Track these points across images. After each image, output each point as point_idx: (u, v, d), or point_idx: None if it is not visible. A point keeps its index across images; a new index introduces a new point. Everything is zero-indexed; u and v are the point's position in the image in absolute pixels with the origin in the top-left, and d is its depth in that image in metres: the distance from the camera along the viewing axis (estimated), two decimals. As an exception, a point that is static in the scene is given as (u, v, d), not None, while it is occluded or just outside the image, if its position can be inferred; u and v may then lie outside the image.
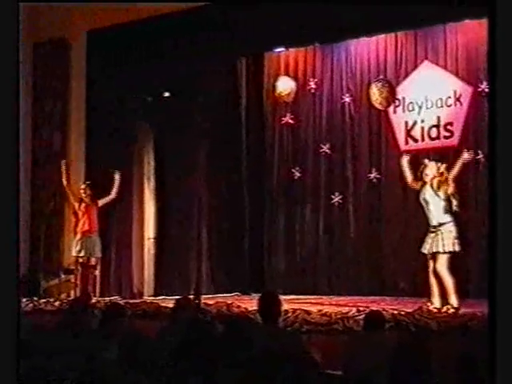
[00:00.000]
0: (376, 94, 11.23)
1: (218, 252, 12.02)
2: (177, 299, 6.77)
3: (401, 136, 11.41)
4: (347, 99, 11.79)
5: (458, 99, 10.92)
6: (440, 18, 9.82)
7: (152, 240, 11.46)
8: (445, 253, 8.38)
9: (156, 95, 11.48)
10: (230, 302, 9.23)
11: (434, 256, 8.43)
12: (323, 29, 10.02)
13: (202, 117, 11.84)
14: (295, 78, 12.12)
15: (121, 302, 9.36)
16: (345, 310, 8.30)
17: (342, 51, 11.88)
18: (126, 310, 7.11)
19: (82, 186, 10.75)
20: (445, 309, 8.20)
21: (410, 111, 11.32)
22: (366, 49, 11.67)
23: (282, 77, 12.09)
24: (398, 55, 11.45)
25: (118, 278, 10.81)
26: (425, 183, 8.61)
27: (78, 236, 10.62)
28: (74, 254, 10.60)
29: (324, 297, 10.84)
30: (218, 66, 11.81)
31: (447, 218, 8.44)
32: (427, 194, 8.59)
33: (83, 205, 10.65)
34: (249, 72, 12.48)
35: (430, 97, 11.13)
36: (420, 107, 11.22)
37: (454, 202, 8.47)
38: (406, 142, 11.38)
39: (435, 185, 8.51)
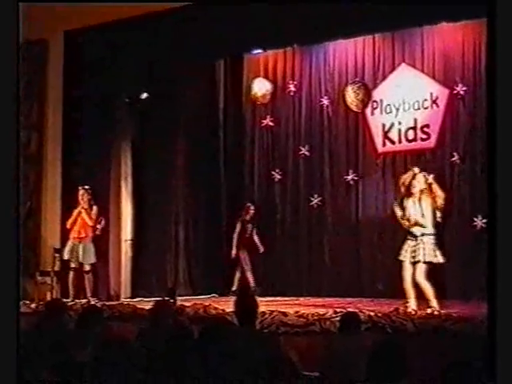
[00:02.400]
0: (352, 96, 11.33)
1: (196, 254, 12.01)
2: (155, 301, 6.75)
3: (378, 138, 11.49)
4: (325, 101, 11.86)
5: (434, 101, 11.02)
6: (421, 19, 9.85)
7: (129, 242, 11.42)
8: (425, 262, 8.39)
9: (134, 96, 11.44)
10: (207, 303, 9.22)
11: (414, 264, 8.43)
12: (301, 30, 10.06)
13: (180, 118, 11.87)
14: (274, 81, 12.19)
15: (98, 304, 9.32)
16: (322, 311, 8.31)
17: (320, 53, 11.95)
18: (103, 312, 7.11)
19: (81, 192, 10.61)
20: (429, 310, 8.21)
21: (387, 113, 11.40)
22: (344, 51, 11.77)
23: (257, 78, 12.12)
24: (375, 58, 11.54)
25: (94, 280, 10.75)
26: (411, 194, 8.54)
27: (73, 241, 10.53)
28: (66, 257, 10.46)
29: (301, 298, 10.89)
30: (196, 68, 11.82)
31: (430, 229, 8.44)
32: (411, 204, 8.53)
33: (79, 210, 10.55)
34: (227, 74, 12.52)
35: (407, 99, 11.22)
36: (397, 109, 11.31)
37: (439, 214, 8.49)
38: (384, 144, 11.47)
39: (423, 199, 8.47)
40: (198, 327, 4.77)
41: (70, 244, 10.55)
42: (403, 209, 8.57)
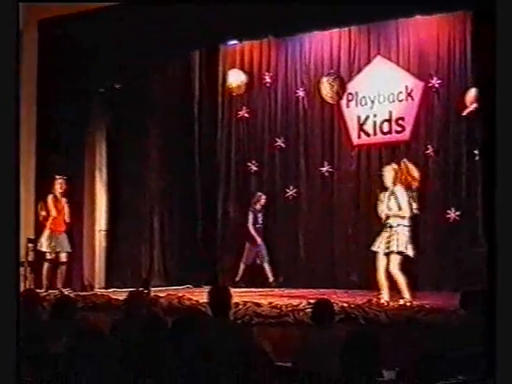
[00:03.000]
0: (327, 87, 11.39)
1: (171, 245, 12.00)
2: (128, 292, 6.75)
3: (353, 130, 11.52)
4: (301, 93, 11.87)
5: (409, 94, 11.06)
6: (396, 12, 9.89)
7: (103, 232, 11.39)
8: (398, 253, 8.47)
9: (108, 86, 11.40)
10: (181, 294, 9.23)
11: (387, 255, 8.52)
12: (277, 22, 10.07)
13: (154, 109, 11.84)
14: (250, 72, 12.18)
15: (71, 294, 9.31)
16: (295, 302, 8.35)
17: (296, 45, 11.90)
18: (77, 303, 7.10)
19: (59, 181, 10.55)
20: (402, 302, 8.29)
21: (362, 106, 11.43)
22: (320, 43, 11.76)
23: (232, 69, 12.11)
24: (351, 50, 11.56)
25: (69, 270, 10.72)
26: (387, 186, 8.67)
27: (49, 232, 10.47)
28: (44, 249, 10.41)
29: (275, 289, 10.91)
30: (171, 59, 11.79)
31: (404, 220, 8.52)
32: (388, 195, 8.64)
33: (55, 200, 10.53)
34: (203, 65, 12.46)
35: (382, 92, 11.27)
36: (372, 102, 11.34)
37: (414, 205, 8.58)
38: (359, 136, 11.51)
39: (398, 190, 8.58)
40: (172, 318, 4.77)
41: (47, 234, 10.49)
42: (383, 201, 8.67)
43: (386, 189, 8.73)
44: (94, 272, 11.16)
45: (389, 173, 8.73)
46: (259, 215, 11.65)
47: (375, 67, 11.41)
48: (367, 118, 11.38)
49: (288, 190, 11.83)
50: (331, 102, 11.43)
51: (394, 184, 8.65)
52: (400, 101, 11.14)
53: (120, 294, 8.82)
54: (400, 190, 8.59)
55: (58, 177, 10.60)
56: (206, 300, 7.63)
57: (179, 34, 10.22)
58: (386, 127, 11.24)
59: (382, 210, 8.63)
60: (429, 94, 10.92)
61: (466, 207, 10.52)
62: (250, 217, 11.58)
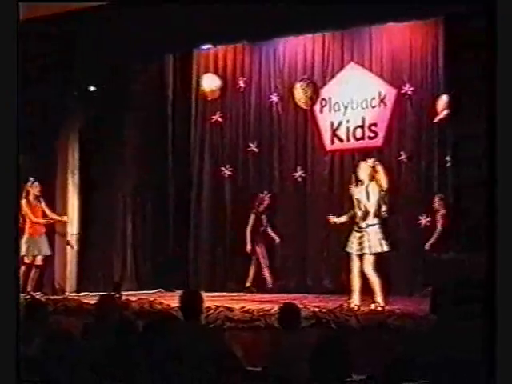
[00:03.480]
0: (300, 93, 11.42)
1: (143, 249, 11.98)
2: (99, 296, 6.75)
3: (327, 136, 11.56)
4: (275, 98, 11.89)
5: (382, 100, 11.13)
6: (370, 18, 9.92)
7: (75, 236, 11.35)
8: (371, 254, 8.55)
9: (82, 89, 11.38)
10: (152, 298, 9.23)
11: (361, 256, 8.60)
12: (251, 27, 10.09)
13: (128, 113, 11.81)
14: (224, 76, 12.16)
15: (42, 298, 9.27)
16: (267, 306, 8.38)
17: (270, 50, 11.91)
18: (47, 307, 7.07)
19: (30, 183, 10.48)
20: (373, 306, 8.37)
21: (335, 111, 11.47)
22: (294, 48, 11.76)
23: (207, 74, 12.12)
24: (324, 56, 11.59)
25: (41, 274, 10.66)
26: (359, 183, 8.79)
27: (27, 236, 10.42)
28: (23, 252, 10.26)
29: (248, 294, 10.93)
30: (145, 63, 11.78)
31: (375, 220, 8.62)
32: (360, 193, 8.74)
33: (29, 204, 10.48)
34: (176, 69, 12.43)
35: (355, 98, 11.30)
36: (346, 108, 11.38)
37: (384, 208, 8.67)
38: (332, 142, 11.55)
39: (370, 188, 8.69)
40: (143, 322, 4.78)
41: (26, 238, 10.42)
42: (356, 199, 8.78)
43: (358, 184, 8.83)
44: (66, 276, 11.10)
45: (364, 169, 8.81)
46: (263, 217, 11.49)
47: (348, 73, 11.45)
48: (340, 123, 11.43)
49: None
50: (305, 107, 11.48)
51: (369, 180, 8.73)
52: (373, 107, 11.20)
53: (91, 298, 8.80)
54: (373, 187, 8.67)
55: (31, 179, 10.52)
56: (177, 304, 7.78)
57: (153, 37, 10.18)
58: (359, 133, 11.30)
59: (355, 206, 8.72)
60: (401, 101, 11.01)
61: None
62: (252, 219, 11.36)
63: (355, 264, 8.60)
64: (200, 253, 12.20)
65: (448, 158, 10.02)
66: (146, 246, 11.97)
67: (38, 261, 10.52)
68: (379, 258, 8.69)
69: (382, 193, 8.70)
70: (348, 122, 11.37)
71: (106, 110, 11.50)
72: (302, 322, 6.22)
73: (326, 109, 11.56)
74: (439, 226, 10.22)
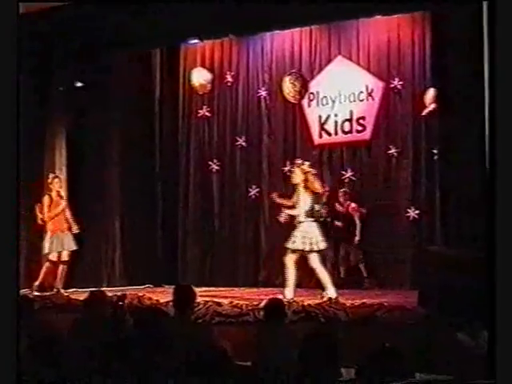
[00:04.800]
0: (289, 87, 11.45)
1: (131, 244, 11.98)
2: (89, 292, 6.77)
3: (315, 130, 11.61)
4: (263, 92, 11.94)
5: (370, 94, 11.19)
6: (356, 11, 9.95)
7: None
8: (312, 250, 8.79)
9: (68, 85, 11.36)
10: (141, 294, 9.25)
11: (306, 252, 8.84)
12: (238, 21, 10.12)
13: (115, 108, 11.79)
14: (211, 71, 12.18)
15: (30, 294, 9.27)
16: (256, 301, 8.41)
17: (257, 44, 11.94)
18: (35, 303, 7.19)
19: (50, 179, 10.59)
20: (325, 298, 8.50)
21: (323, 105, 11.53)
22: (282, 42, 11.81)
23: (197, 68, 12.11)
24: (312, 49, 11.63)
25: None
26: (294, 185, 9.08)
27: (49, 233, 10.50)
28: (46, 251, 10.44)
29: (236, 289, 10.96)
30: (132, 57, 11.79)
31: (310, 219, 8.86)
32: (297, 194, 9.01)
33: (51, 199, 10.56)
34: (164, 63, 12.41)
35: (343, 91, 11.37)
36: (333, 101, 11.45)
37: (317, 208, 8.94)
38: (320, 136, 11.60)
39: (303, 190, 8.96)
40: (133, 317, 4.81)
41: (48, 235, 10.49)
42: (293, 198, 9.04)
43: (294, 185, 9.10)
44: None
45: (298, 175, 9.04)
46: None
47: (336, 67, 11.51)
48: (328, 117, 11.49)
49: (250, 190, 11.88)
50: (293, 101, 11.51)
51: (303, 185, 8.98)
52: (361, 100, 11.26)
53: (80, 295, 8.83)
54: (305, 190, 8.92)
55: (52, 175, 10.62)
56: (166, 299, 7.82)
57: (140, 32, 10.23)
58: (347, 127, 11.35)
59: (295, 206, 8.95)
60: (390, 94, 11.08)
61: (425, 206, 10.69)
62: None
63: (292, 258, 8.80)
64: (188, 248, 12.23)
65: (435, 151, 10.09)
66: (134, 242, 11.94)
67: (64, 256, 10.55)
68: (322, 252, 9.02)
69: (314, 196, 8.94)
70: (336, 115, 11.44)
71: (91, 106, 11.46)
72: (287, 317, 6.26)
73: (313, 103, 11.61)
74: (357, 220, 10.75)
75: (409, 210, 10.81)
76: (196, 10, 9.64)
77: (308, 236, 8.78)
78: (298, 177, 8.97)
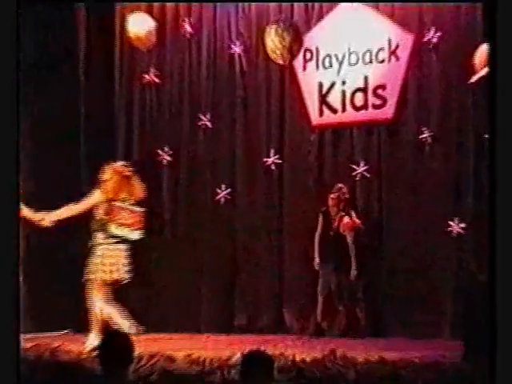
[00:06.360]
0: (275, 41, 11.06)
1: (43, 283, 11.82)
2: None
3: (313, 104, 11.70)
4: (237, 49, 12.06)
5: (393, 52, 11.27)
6: None
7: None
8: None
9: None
10: (56, 344, 9.14)
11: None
12: None
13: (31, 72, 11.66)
14: (161, 18, 12.21)
15: None
16: (226, 354, 8.31)
17: (229, -21, 12.05)
18: None
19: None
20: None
21: (325, 68, 11.63)
22: (266, -20, 11.89)
23: (134, 13, 11.80)
24: (309, -13, 11.67)
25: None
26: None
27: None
28: None
29: (199, 335, 11.13)
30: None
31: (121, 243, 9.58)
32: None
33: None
34: (90, 11, 12.43)
35: (354, 48, 11.46)
36: (340, 63, 11.54)
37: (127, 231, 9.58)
38: (321, 113, 11.69)
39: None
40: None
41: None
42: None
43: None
44: None
45: (109, 172, 9.59)
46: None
47: (343, 13, 11.58)
48: (332, 85, 11.55)
49: (219, 191, 11.97)
50: (281, 62, 11.27)
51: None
52: (380, 62, 11.36)
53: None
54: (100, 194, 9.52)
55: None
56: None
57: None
58: (359, 99, 11.42)
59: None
60: (423, 52, 11.16)
61: (473, 217, 10.68)
62: (320, 222, 11.36)
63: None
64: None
65: (486, 136, 10.04)
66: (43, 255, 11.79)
67: None
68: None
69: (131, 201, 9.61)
70: (344, 83, 11.51)
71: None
72: (273, 378, 6.21)
73: (311, 65, 11.70)
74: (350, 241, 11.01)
75: (451, 223, 10.79)
76: None
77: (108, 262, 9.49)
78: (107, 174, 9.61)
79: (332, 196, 11.12)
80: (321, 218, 11.28)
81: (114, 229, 9.47)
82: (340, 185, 11.18)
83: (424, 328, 10.67)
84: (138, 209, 9.67)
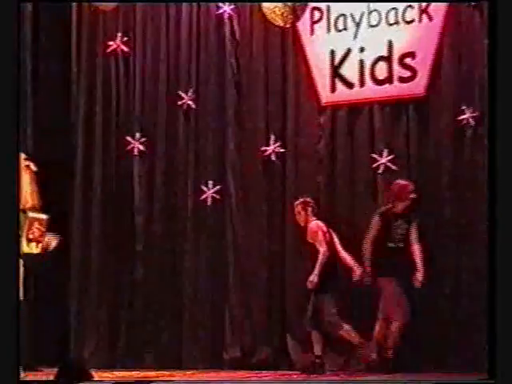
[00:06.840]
0: (275, -1, 10.94)
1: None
2: None
3: (323, 77, 11.58)
4: (227, 8, 12.03)
5: (425, 10, 11.07)
6: None
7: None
8: None
9: None
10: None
11: None
12: None
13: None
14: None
15: None
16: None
17: None
18: None
19: None
20: None
21: (338, 31, 11.53)
22: None
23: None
24: None
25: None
26: None
27: None
28: None
29: (167, 372, 11.05)
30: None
31: None
32: None
33: None
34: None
35: (374, 6, 11.35)
36: (357, 24, 11.40)
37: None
38: (333, 89, 11.54)
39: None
40: None
41: None
42: None
43: None
44: None
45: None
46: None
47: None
48: (348, 53, 11.39)
49: (205, 188, 11.85)
50: (282, 24, 11.00)
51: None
52: (408, 22, 11.16)
53: None
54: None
55: None
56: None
57: None
58: (382, 70, 11.24)
59: None
60: (462, 13, 10.91)
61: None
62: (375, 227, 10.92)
63: None
64: (89, 296, 12.30)
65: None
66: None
67: None
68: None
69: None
70: (362, 50, 11.35)
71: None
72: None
73: (320, 26, 11.58)
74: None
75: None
76: None
77: None
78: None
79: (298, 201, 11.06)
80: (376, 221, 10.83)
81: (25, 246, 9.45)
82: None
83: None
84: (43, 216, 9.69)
